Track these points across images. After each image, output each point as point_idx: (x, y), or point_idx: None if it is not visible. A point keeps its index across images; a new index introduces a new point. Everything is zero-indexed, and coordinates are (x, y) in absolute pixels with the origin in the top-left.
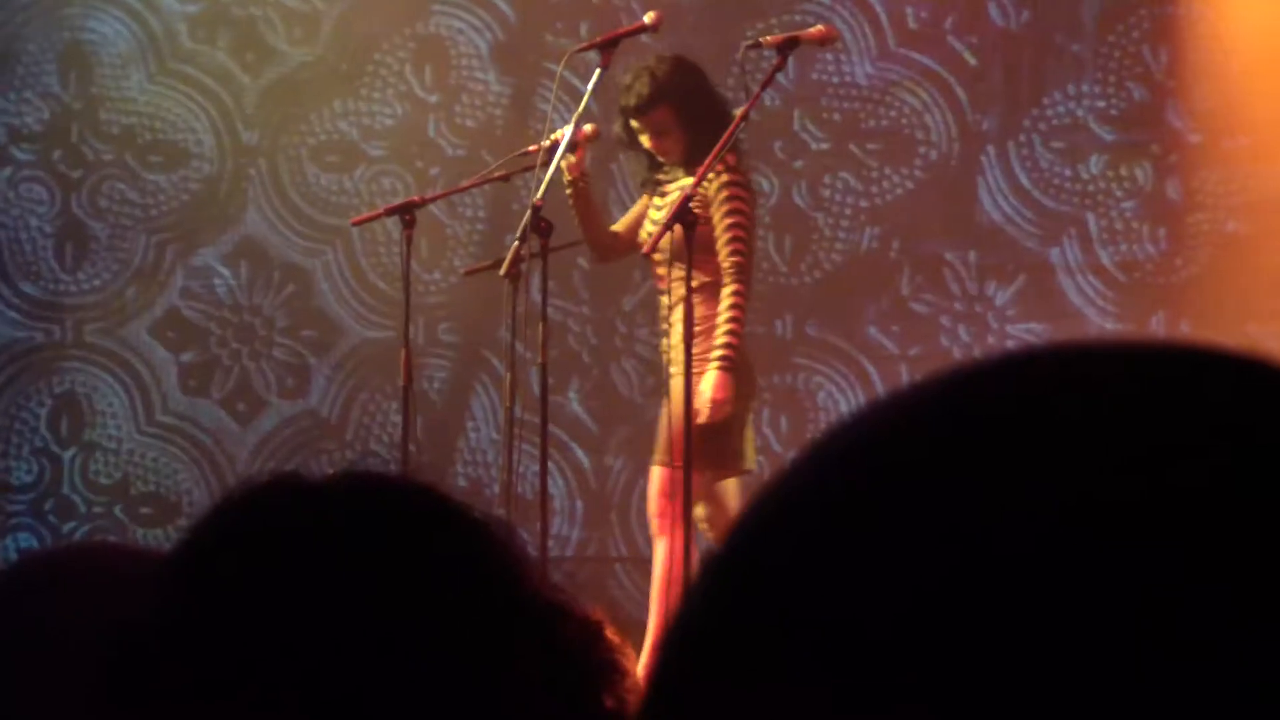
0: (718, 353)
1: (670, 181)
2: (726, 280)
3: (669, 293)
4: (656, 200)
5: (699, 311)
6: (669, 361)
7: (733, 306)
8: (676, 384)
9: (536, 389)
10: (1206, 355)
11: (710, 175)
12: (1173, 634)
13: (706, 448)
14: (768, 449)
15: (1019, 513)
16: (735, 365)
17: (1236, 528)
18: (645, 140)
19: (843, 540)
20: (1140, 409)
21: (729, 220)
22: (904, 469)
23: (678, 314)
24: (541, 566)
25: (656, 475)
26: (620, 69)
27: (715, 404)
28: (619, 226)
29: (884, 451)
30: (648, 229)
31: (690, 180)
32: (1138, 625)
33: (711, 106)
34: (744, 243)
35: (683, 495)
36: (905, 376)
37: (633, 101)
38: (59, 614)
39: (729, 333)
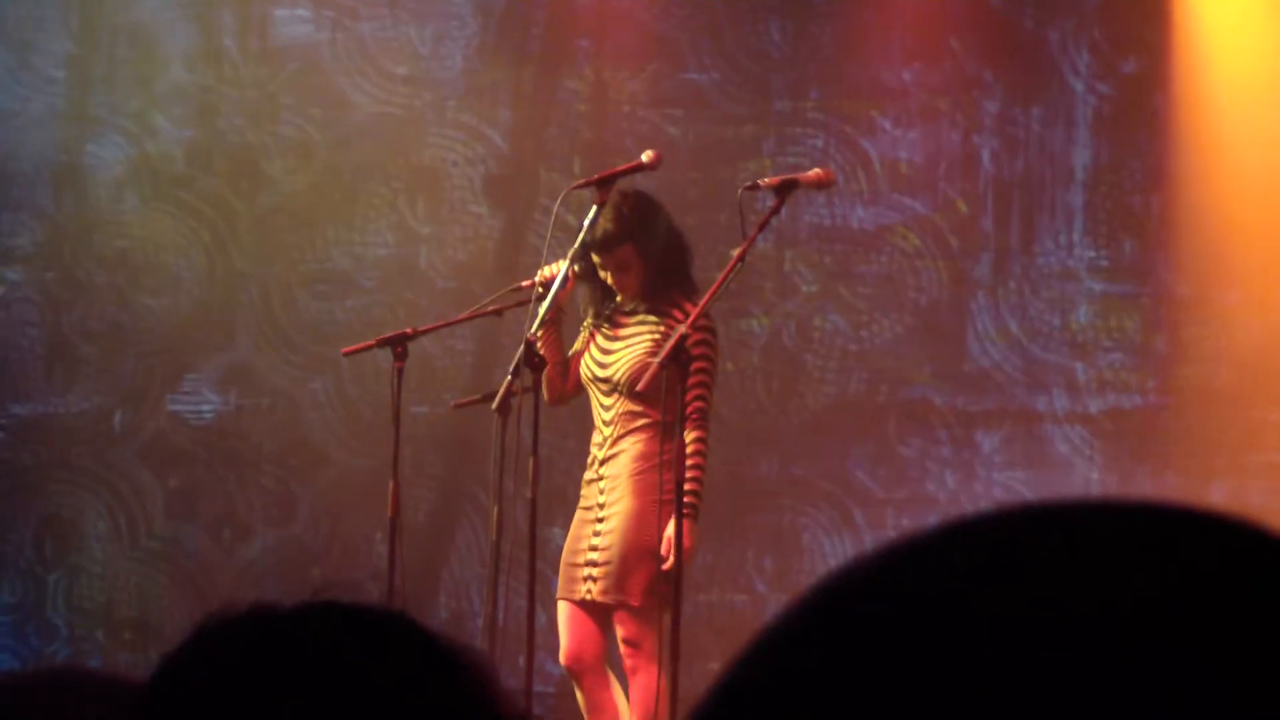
0: (688, 499)
1: (627, 315)
2: (690, 426)
3: (612, 425)
4: (604, 332)
5: (644, 449)
6: (599, 492)
7: (696, 454)
8: (618, 516)
9: (523, 522)
10: (1186, 516)
11: (680, 317)
12: None
13: (660, 589)
14: (752, 589)
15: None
16: (699, 512)
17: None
18: (606, 276)
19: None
20: (1122, 567)
21: (696, 365)
22: (897, 627)
23: (626, 447)
24: (527, 700)
25: (585, 612)
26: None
27: (686, 552)
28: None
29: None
30: (590, 363)
31: (652, 316)
32: None
33: (671, 242)
34: (707, 388)
35: (657, 631)
36: (891, 520)
37: (598, 237)
38: None
39: (694, 479)
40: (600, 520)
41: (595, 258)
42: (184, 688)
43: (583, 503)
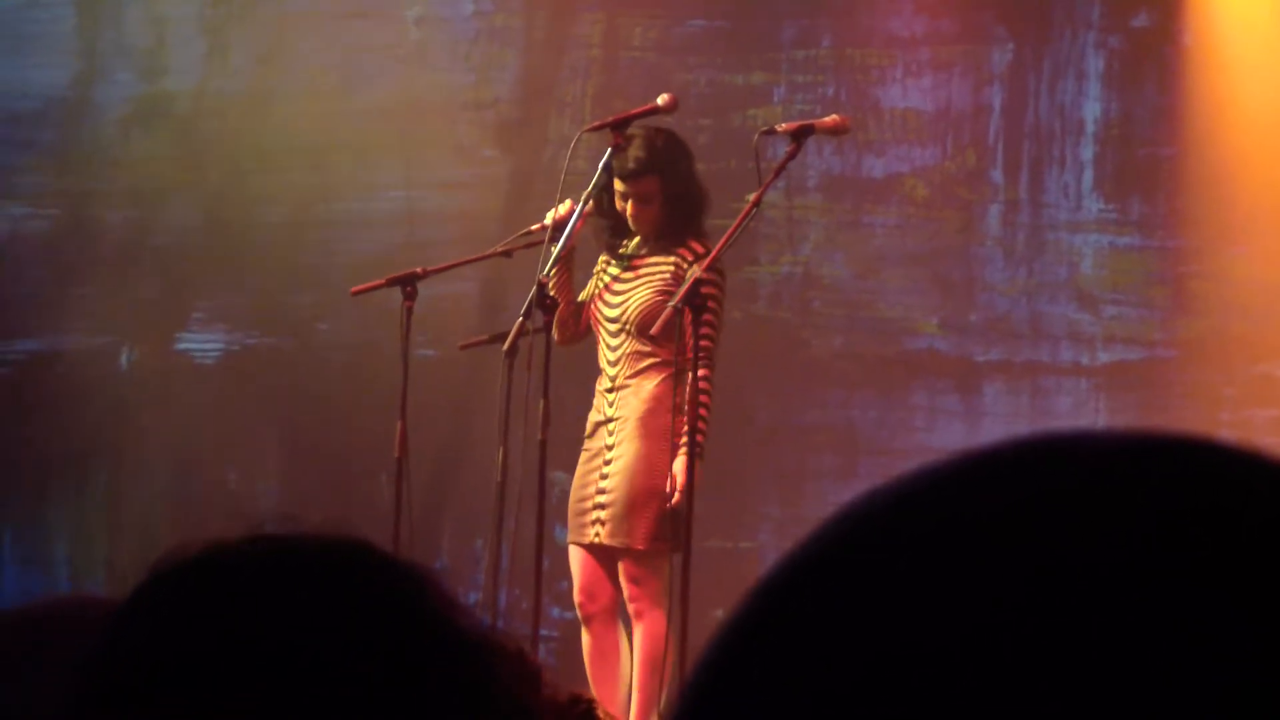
0: (688, 439)
1: (638, 256)
2: (695, 366)
3: (618, 365)
4: (614, 273)
5: (654, 391)
6: (607, 433)
7: (702, 392)
8: (625, 459)
9: (529, 465)
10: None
11: (689, 258)
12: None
13: (670, 529)
14: (755, 536)
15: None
16: (701, 451)
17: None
18: (626, 208)
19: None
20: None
21: (705, 306)
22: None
23: (634, 388)
24: (533, 644)
25: (595, 557)
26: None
27: (687, 489)
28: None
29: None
30: (599, 303)
31: (662, 256)
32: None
33: (692, 188)
34: (714, 328)
35: (663, 576)
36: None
37: (630, 165)
38: (42, 667)
39: (700, 418)
40: (608, 463)
41: (619, 186)
42: (135, 634)
43: (588, 444)
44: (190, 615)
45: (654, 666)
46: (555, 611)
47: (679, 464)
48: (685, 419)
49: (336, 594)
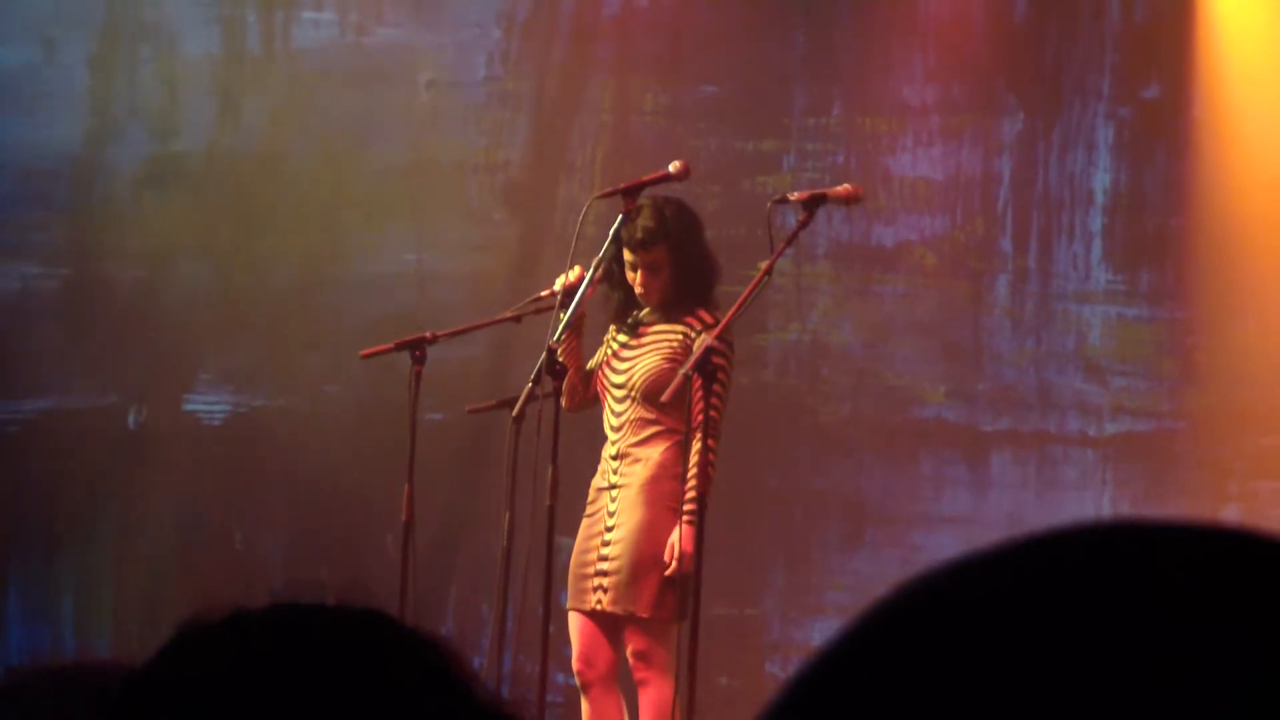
0: (689, 507)
1: (646, 324)
2: (698, 435)
3: (622, 431)
4: (621, 340)
5: (660, 459)
6: (610, 500)
7: (702, 463)
8: (628, 526)
9: (535, 530)
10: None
11: (697, 326)
12: None
13: (674, 598)
14: (761, 604)
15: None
16: (702, 520)
17: None
18: (635, 278)
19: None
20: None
21: (713, 376)
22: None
23: (641, 456)
24: (540, 710)
25: (595, 623)
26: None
27: (686, 558)
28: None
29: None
30: (606, 369)
31: (671, 325)
32: None
33: (703, 257)
34: (721, 399)
35: (669, 645)
36: (903, 537)
37: (638, 235)
38: None
39: (696, 488)
40: (610, 529)
41: (629, 256)
42: (156, 695)
43: (591, 509)
44: (216, 681)
45: None
46: (560, 677)
47: (677, 534)
48: (661, 485)
49: (361, 664)
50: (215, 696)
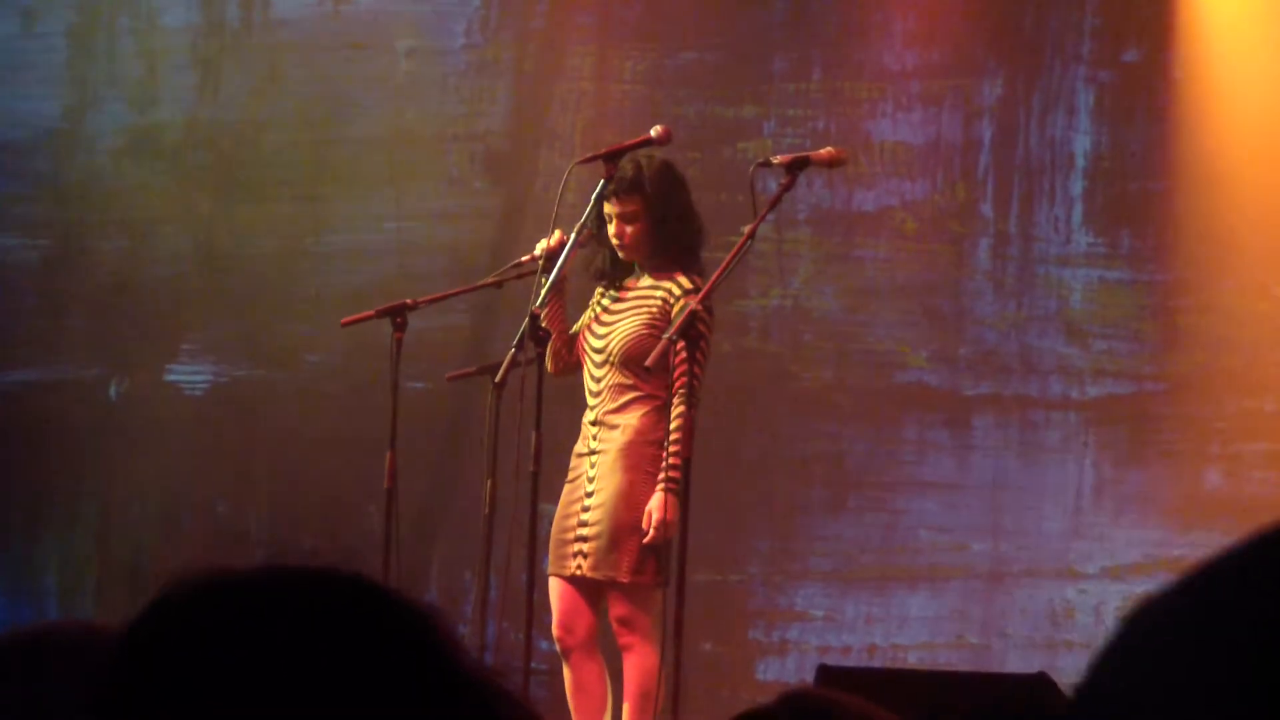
0: (670, 474)
1: (630, 287)
2: (677, 400)
3: (601, 396)
4: (605, 301)
5: (640, 424)
6: (590, 465)
7: (680, 429)
8: (607, 492)
9: (519, 497)
10: None
11: (677, 292)
12: None
13: (655, 563)
14: (745, 569)
15: None
16: (680, 487)
17: None
18: (611, 227)
19: None
20: None
21: (694, 341)
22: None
23: (621, 422)
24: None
25: (575, 589)
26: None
27: (664, 525)
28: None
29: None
30: (587, 333)
31: (652, 288)
32: None
33: (682, 217)
34: (701, 366)
35: (653, 611)
36: (885, 502)
37: (615, 184)
38: (43, 687)
39: (676, 454)
40: (589, 495)
41: (608, 208)
42: (144, 655)
43: (571, 475)
44: (202, 639)
45: (646, 701)
46: (544, 645)
47: (655, 500)
48: (642, 450)
49: (346, 626)
50: (199, 655)
